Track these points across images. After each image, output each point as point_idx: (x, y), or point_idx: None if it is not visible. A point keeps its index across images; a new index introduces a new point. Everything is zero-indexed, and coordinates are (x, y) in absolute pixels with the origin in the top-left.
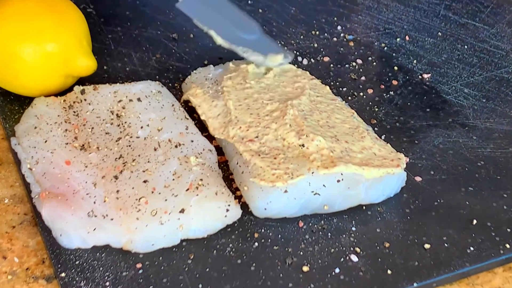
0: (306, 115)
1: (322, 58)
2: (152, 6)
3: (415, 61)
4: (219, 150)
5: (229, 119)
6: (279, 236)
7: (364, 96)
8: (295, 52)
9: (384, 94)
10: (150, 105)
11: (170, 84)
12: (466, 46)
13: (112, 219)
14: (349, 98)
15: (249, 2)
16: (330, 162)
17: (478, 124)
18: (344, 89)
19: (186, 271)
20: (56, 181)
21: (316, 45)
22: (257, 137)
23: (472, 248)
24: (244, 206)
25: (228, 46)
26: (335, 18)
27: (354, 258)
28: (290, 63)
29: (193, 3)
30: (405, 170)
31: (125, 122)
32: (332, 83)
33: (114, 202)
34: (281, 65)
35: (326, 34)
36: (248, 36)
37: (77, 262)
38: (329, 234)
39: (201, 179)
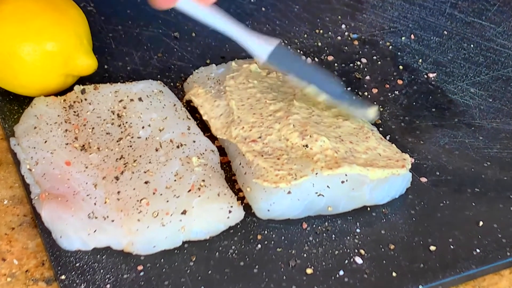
0: (310, 115)
1: (326, 57)
2: None
3: (420, 60)
4: (222, 151)
5: (232, 119)
6: (283, 238)
7: (369, 96)
8: (299, 51)
9: (389, 94)
10: (151, 105)
11: (171, 84)
12: (472, 45)
13: (113, 221)
14: (354, 97)
15: (252, 0)
16: (334, 162)
17: (484, 124)
18: (349, 88)
19: (188, 273)
20: (56, 182)
21: (320, 44)
22: (260, 137)
23: (478, 250)
24: (247, 208)
25: (333, 102)
26: (339, 17)
27: (359, 260)
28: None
29: (281, 57)
30: (410, 171)
31: (126, 122)
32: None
33: (115, 203)
34: (373, 118)
35: (330, 33)
36: (338, 89)
37: (77, 264)
38: (333, 236)
39: (203, 180)
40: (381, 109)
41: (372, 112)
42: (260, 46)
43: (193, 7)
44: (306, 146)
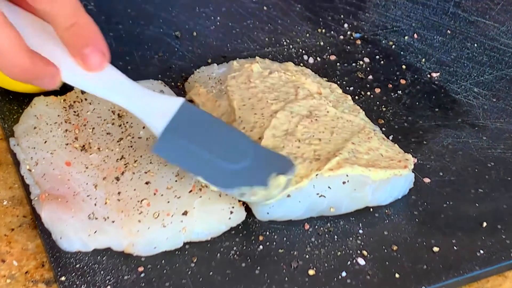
0: (309, 116)
1: (328, 56)
2: (154, 4)
3: (423, 60)
4: None
5: (233, 119)
6: (285, 239)
7: (371, 96)
8: (301, 50)
9: (392, 94)
10: None
11: (172, 83)
12: (475, 44)
13: (113, 222)
14: (356, 97)
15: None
16: (336, 163)
17: (488, 124)
18: (351, 88)
19: (189, 274)
20: (56, 182)
21: (322, 43)
22: (260, 138)
23: (482, 251)
24: (249, 208)
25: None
26: (342, 16)
27: (361, 261)
28: None
29: (171, 144)
30: (413, 171)
31: (127, 122)
32: (338, 82)
33: (116, 204)
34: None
35: (332, 32)
36: (240, 164)
37: (77, 266)
38: (336, 236)
39: None
40: (384, 109)
41: (278, 183)
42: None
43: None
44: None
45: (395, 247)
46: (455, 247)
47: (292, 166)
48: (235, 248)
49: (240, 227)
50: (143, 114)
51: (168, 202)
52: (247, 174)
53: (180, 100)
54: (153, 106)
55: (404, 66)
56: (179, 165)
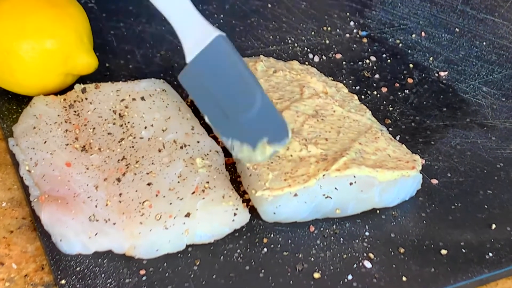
0: (316, 114)
1: (334, 55)
2: None
3: (431, 58)
4: (227, 152)
5: None
6: (289, 241)
7: (378, 95)
8: (306, 49)
9: (399, 93)
10: (154, 104)
11: (175, 82)
12: (484, 43)
13: (114, 224)
14: (362, 97)
15: None
16: (343, 164)
17: (497, 124)
18: (357, 87)
19: (192, 278)
20: (56, 183)
21: (327, 41)
22: None
23: (491, 254)
24: (253, 210)
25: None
26: (348, 14)
27: (368, 264)
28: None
29: (193, 76)
30: (420, 172)
31: (128, 122)
32: (344, 81)
33: (117, 205)
34: (274, 153)
35: (338, 30)
36: (244, 115)
37: (77, 269)
38: (342, 239)
39: (208, 182)
40: (391, 108)
41: (264, 151)
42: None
43: None
44: (305, 146)
45: (402, 250)
46: (463, 250)
47: (285, 138)
48: (238, 250)
49: (244, 229)
50: (182, 34)
51: (171, 203)
52: (243, 129)
53: (217, 33)
54: (194, 28)
55: (411, 65)
56: (194, 100)
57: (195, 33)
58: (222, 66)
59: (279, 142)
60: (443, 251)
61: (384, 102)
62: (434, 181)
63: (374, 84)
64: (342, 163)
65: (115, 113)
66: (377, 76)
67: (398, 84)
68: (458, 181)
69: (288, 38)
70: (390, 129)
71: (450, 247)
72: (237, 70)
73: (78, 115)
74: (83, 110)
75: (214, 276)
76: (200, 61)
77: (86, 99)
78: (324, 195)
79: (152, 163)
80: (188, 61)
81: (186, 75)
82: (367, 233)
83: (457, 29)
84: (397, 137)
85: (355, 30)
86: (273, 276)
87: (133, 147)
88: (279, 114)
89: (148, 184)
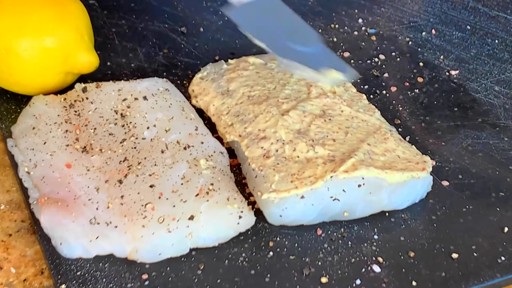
0: (324, 114)
1: (342, 53)
2: None
3: (442, 57)
4: (231, 153)
5: (241, 119)
6: (296, 245)
7: (387, 94)
8: None
9: (409, 92)
10: (157, 104)
11: (178, 82)
12: (497, 41)
13: (116, 227)
14: (371, 96)
15: None
16: (351, 165)
17: (509, 124)
18: (366, 86)
19: (195, 282)
20: (56, 185)
21: (335, 39)
22: (267, 137)
23: (503, 258)
24: (258, 213)
25: (280, 60)
26: (356, 11)
27: (377, 268)
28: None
29: (245, 12)
30: (431, 174)
31: (130, 122)
32: (352, 80)
33: (118, 208)
34: (341, 82)
35: (346, 28)
36: (305, 49)
37: (78, 273)
38: (350, 242)
39: (212, 184)
40: (401, 108)
41: (332, 75)
42: None
43: None
44: (312, 147)
45: (412, 254)
46: (475, 254)
47: (348, 71)
48: (244, 254)
49: (249, 232)
50: None
51: (174, 206)
52: (305, 57)
53: None
54: None
55: (421, 64)
56: (247, 32)
57: None
58: (277, 11)
59: (344, 72)
60: (454, 255)
61: (394, 101)
62: (445, 183)
63: (383, 83)
64: (350, 164)
65: (116, 113)
66: (386, 75)
67: (407, 83)
68: (469, 183)
69: None
70: (400, 129)
71: (461, 251)
72: (292, 14)
73: (79, 115)
74: (83, 110)
75: (219, 281)
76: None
77: (87, 98)
78: (331, 197)
79: (155, 165)
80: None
81: (239, 12)
82: (376, 237)
83: (468, 27)
84: (407, 138)
85: (363, 28)
86: (279, 280)
87: (135, 148)
88: (337, 56)
89: (151, 186)
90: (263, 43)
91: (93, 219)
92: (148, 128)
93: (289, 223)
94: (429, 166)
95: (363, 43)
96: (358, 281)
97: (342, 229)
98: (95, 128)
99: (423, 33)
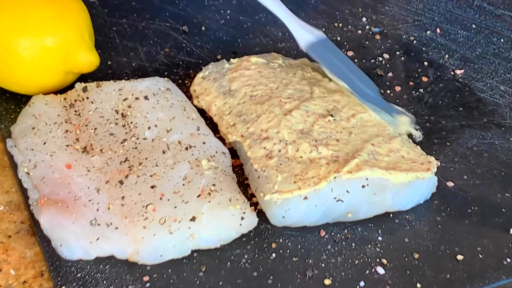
0: (328, 114)
1: (345, 52)
2: None
3: (446, 56)
4: (233, 153)
5: (243, 119)
6: (299, 246)
7: (391, 94)
8: None
9: (413, 92)
10: (158, 103)
11: (180, 81)
12: (502, 40)
13: (116, 228)
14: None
15: None
16: (355, 165)
17: None
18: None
19: (197, 284)
20: (56, 186)
21: (339, 38)
22: (270, 137)
23: (509, 260)
24: (261, 214)
25: (360, 101)
26: (360, 9)
27: (381, 270)
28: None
29: (321, 49)
30: (436, 175)
31: (131, 122)
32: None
33: (119, 209)
34: (410, 128)
35: (350, 27)
36: (371, 93)
37: (78, 275)
38: (353, 244)
39: (214, 184)
40: (405, 108)
41: (403, 120)
42: (304, 34)
43: None
44: (315, 147)
45: (416, 255)
46: (480, 255)
47: (411, 116)
48: (246, 256)
49: (251, 233)
50: (295, 28)
51: (175, 207)
52: (375, 100)
53: (323, 34)
54: (302, 25)
55: (426, 63)
56: (328, 69)
57: (306, 28)
58: (337, 55)
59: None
60: (459, 257)
61: (398, 101)
62: (450, 184)
63: (387, 83)
64: (354, 164)
65: (117, 113)
66: (390, 74)
67: (412, 83)
68: (474, 184)
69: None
70: None
71: (467, 252)
72: (350, 61)
73: (79, 115)
74: (84, 109)
75: (221, 283)
76: (318, 44)
77: (87, 98)
78: (335, 198)
79: (156, 165)
80: (304, 47)
81: (315, 47)
82: (380, 238)
83: (473, 25)
84: (411, 138)
85: (367, 26)
86: (282, 282)
87: (136, 148)
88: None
89: (152, 187)
90: (342, 82)
91: (94, 220)
92: (149, 128)
93: (292, 224)
94: (434, 166)
95: (367, 42)
96: (362, 283)
97: (345, 231)
98: (95, 128)
99: (428, 32)
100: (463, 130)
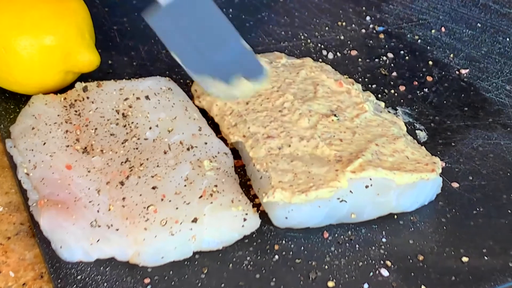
0: (331, 114)
1: (349, 51)
2: None
3: (451, 55)
4: (236, 153)
5: (244, 119)
6: (302, 248)
7: (396, 94)
8: (319, 45)
9: (418, 92)
10: (159, 103)
11: (181, 81)
12: (508, 39)
13: (117, 230)
14: (379, 95)
15: None
16: (358, 166)
17: None
18: (374, 85)
19: (199, 286)
20: (56, 187)
21: (342, 37)
22: (270, 136)
23: None
24: (263, 215)
25: (192, 77)
26: (364, 8)
27: (385, 272)
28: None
29: (165, 16)
30: (440, 176)
31: (132, 123)
32: (360, 79)
33: (120, 210)
34: (253, 93)
35: (353, 26)
36: (220, 56)
37: (79, 277)
38: (357, 246)
39: (216, 185)
40: (409, 108)
41: (242, 87)
42: None
43: None
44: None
45: (421, 257)
46: (485, 257)
47: (261, 75)
48: (248, 258)
49: (254, 235)
50: None
51: (177, 208)
52: (216, 66)
53: None
54: None
55: (430, 62)
56: (161, 39)
57: None
58: (198, 10)
59: (256, 78)
60: (464, 259)
61: (402, 101)
62: (455, 185)
63: (392, 82)
64: (357, 164)
65: (118, 113)
66: (394, 74)
67: (416, 83)
68: (480, 185)
69: (301, 34)
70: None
71: (472, 254)
72: (212, 12)
73: (79, 115)
74: (84, 109)
75: (223, 285)
76: (176, 4)
77: (88, 98)
78: (338, 198)
79: (157, 166)
80: (163, 3)
81: (157, 16)
82: (384, 240)
83: (479, 24)
84: (416, 138)
85: (371, 25)
86: (284, 284)
87: (137, 148)
88: (254, 55)
89: (153, 188)
90: (177, 56)
91: (94, 221)
92: (150, 128)
93: (295, 226)
94: (439, 167)
95: (371, 41)
96: (365, 285)
97: (349, 232)
98: (96, 129)
99: (433, 31)
100: (468, 130)
